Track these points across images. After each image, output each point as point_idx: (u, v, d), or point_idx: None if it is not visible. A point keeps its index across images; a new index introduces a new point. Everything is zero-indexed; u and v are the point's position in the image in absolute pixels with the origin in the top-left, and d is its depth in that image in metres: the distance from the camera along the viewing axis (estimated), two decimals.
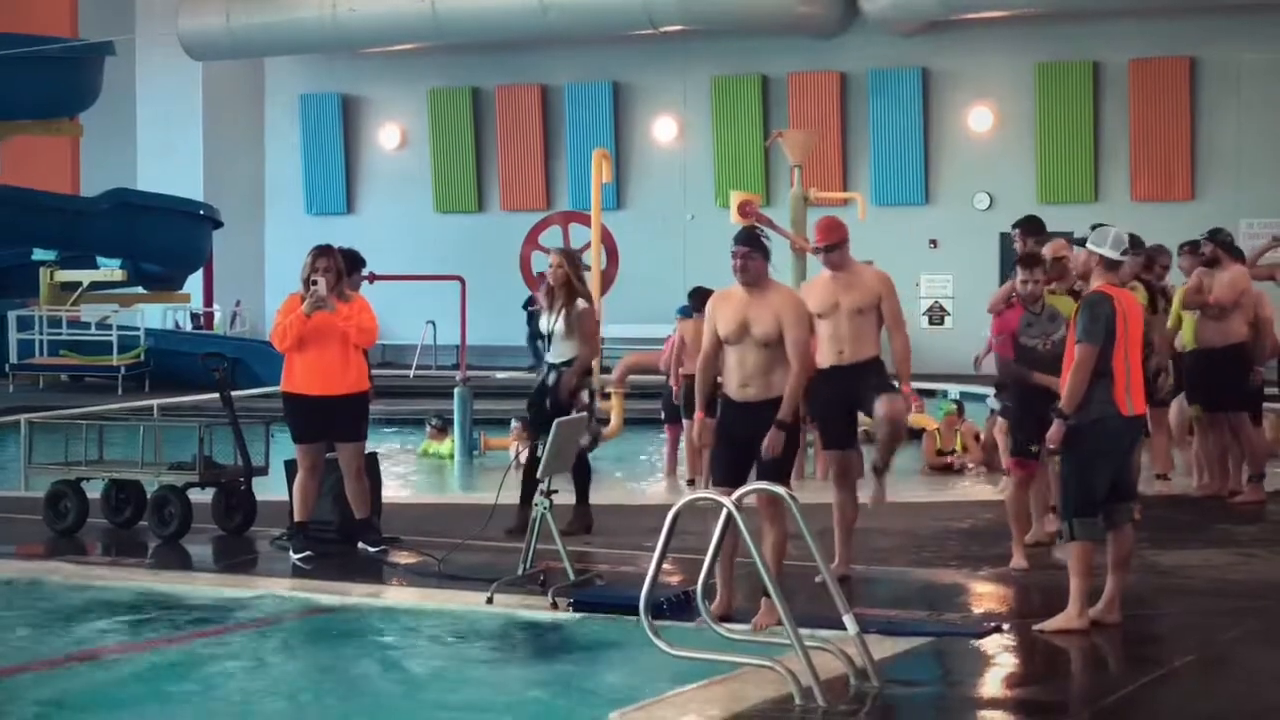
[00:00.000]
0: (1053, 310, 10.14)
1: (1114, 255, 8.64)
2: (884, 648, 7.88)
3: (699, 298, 15.26)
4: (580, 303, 11.83)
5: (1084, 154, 27.72)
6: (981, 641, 8.51)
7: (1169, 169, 27.03)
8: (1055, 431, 8.47)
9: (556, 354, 11.80)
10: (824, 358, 9.87)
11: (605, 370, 18.80)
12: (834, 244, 9.98)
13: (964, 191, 27.89)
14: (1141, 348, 8.72)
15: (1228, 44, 26.56)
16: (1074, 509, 8.53)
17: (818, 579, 8.30)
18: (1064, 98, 27.79)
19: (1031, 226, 11.45)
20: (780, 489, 8.21)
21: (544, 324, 11.90)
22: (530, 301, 11.92)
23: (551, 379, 11.78)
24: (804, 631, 7.34)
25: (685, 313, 14.94)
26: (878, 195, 26.92)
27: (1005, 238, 25.36)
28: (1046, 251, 10.84)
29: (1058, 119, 27.79)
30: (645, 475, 16.75)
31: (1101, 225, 9.25)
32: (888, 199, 27.33)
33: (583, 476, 11.89)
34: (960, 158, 28.56)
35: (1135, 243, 13.06)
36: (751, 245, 8.96)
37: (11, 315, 26.78)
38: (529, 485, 11.40)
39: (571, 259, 12.25)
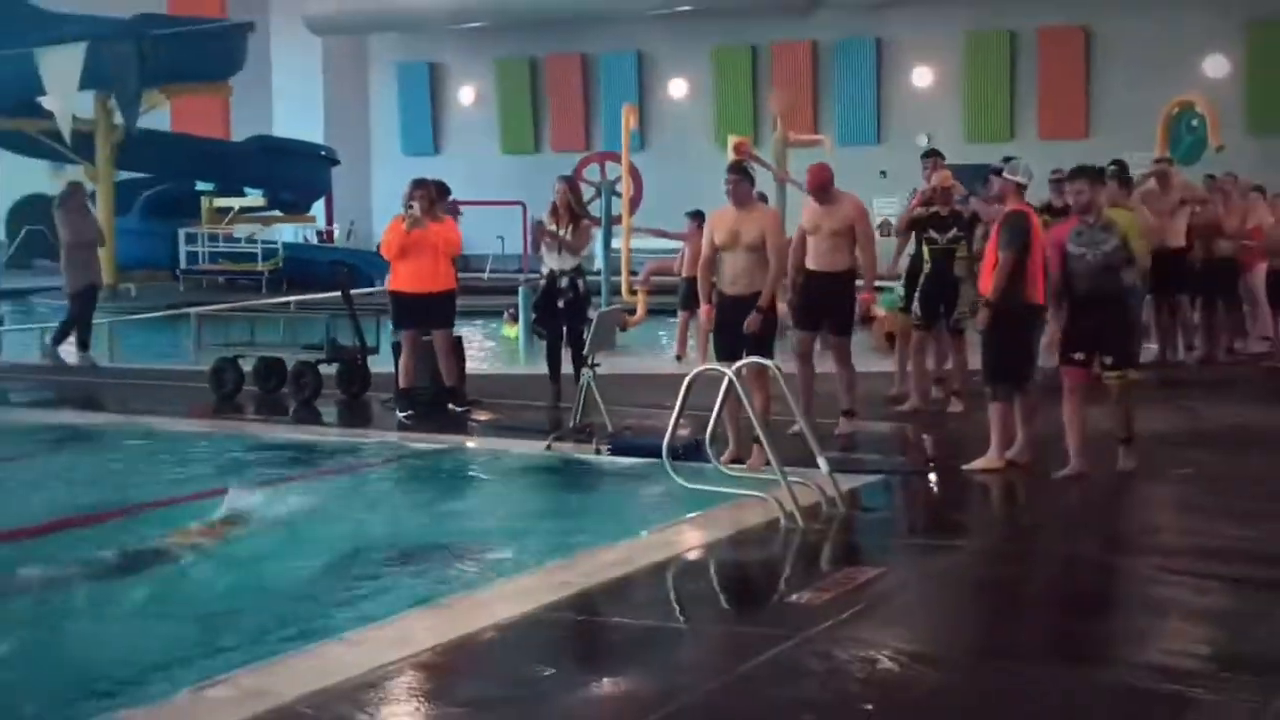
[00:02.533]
0: (1107, 220, 8.41)
1: (1024, 181, 8.63)
2: (847, 482, 7.91)
3: (697, 216, 15.24)
4: (584, 223, 11.60)
5: (1001, 102, 27.44)
6: (920, 477, 8.56)
7: (1068, 113, 26.79)
8: (982, 316, 8.44)
9: (562, 262, 11.44)
10: (809, 261, 9.87)
11: (633, 273, 18.79)
12: (819, 188, 9.89)
13: (907, 133, 27.59)
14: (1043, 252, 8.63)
15: (1114, 15, 26.25)
16: (996, 376, 8.53)
17: (792, 429, 8.34)
18: (986, 59, 27.51)
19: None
20: (767, 361, 8.25)
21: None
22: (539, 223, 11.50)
23: (563, 283, 11.44)
24: (786, 469, 7.40)
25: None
26: (841, 137, 26.64)
27: None
28: (935, 181, 10.71)
29: (981, 75, 27.52)
30: (664, 352, 16.75)
31: (1012, 158, 9.20)
32: (848, 140, 27.04)
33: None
34: (905, 107, 28.31)
35: (1123, 168, 13.02)
36: (739, 174, 9.05)
37: (181, 232, 26.73)
38: (553, 365, 11.41)
39: (572, 186, 11.84)
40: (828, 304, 9.79)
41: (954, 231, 10.55)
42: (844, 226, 9.79)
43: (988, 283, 8.47)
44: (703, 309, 9.25)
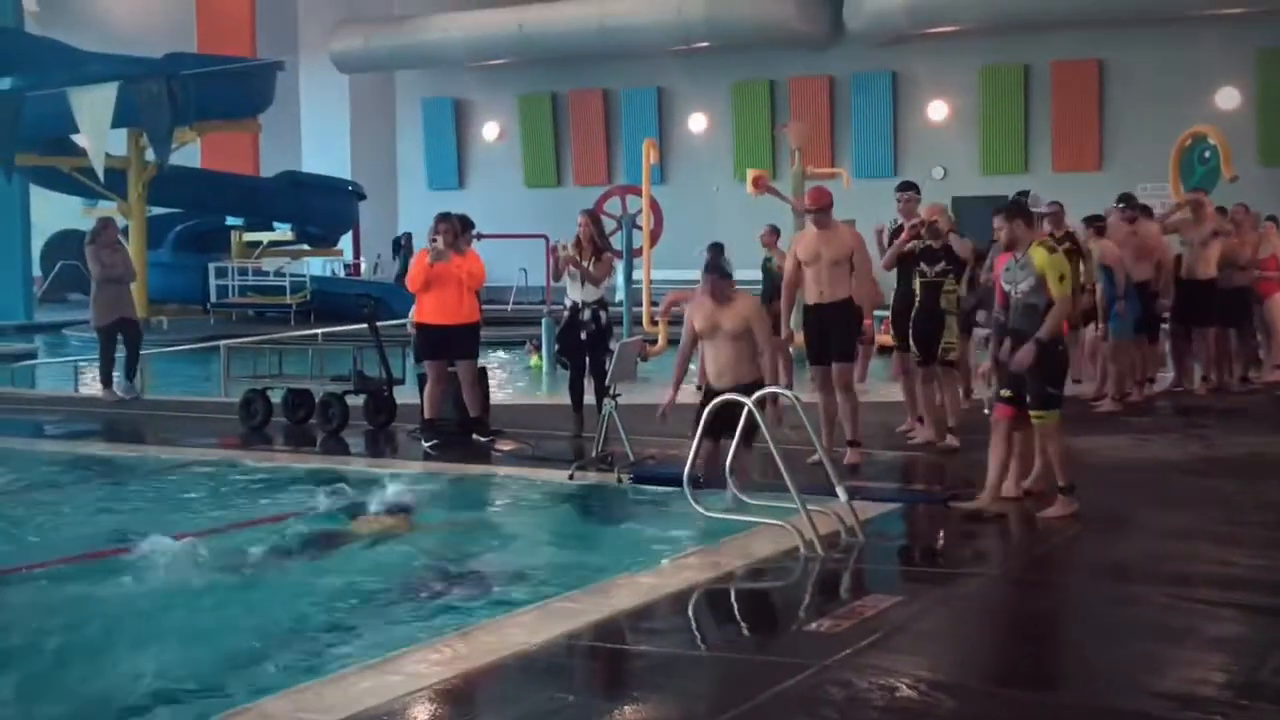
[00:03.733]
0: (1028, 258, 8.04)
1: (1048, 211, 8.61)
2: (866, 510, 7.89)
3: (715, 249, 15.23)
4: (606, 256, 11.61)
5: (1016, 135, 27.44)
6: (939, 506, 8.51)
7: (1082, 146, 26.74)
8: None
9: (585, 294, 11.44)
10: (809, 296, 9.85)
11: (654, 304, 18.81)
12: (820, 209, 9.93)
13: (924, 166, 27.61)
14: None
15: (1127, 49, 26.22)
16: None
17: (811, 459, 8.31)
18: (1001, 92, 27.51)
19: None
20: (786, 393, 8.25)
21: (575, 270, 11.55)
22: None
23: (585, 315, 11.47)
24: (806, 497, 7.37)
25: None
26: (858, 170, 26.68)
27: (957, 201, 25.16)
28: (924, 213, 10.50)
29: (996, 109, 27.52)
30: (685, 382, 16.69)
31: (1027, 191, 9.17)
32: (865, 173, 27.05)
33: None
34: (921, 140, 28.33)
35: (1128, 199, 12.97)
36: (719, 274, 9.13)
37: (211, 266, 26.88)
38: (575, 395, 11.41)
39: (594, 219, 11.81)
40: (831, 334, 9.81)
41: (942, 264, 10.32)
42: (843, 255, 9.78)
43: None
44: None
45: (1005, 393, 8.05)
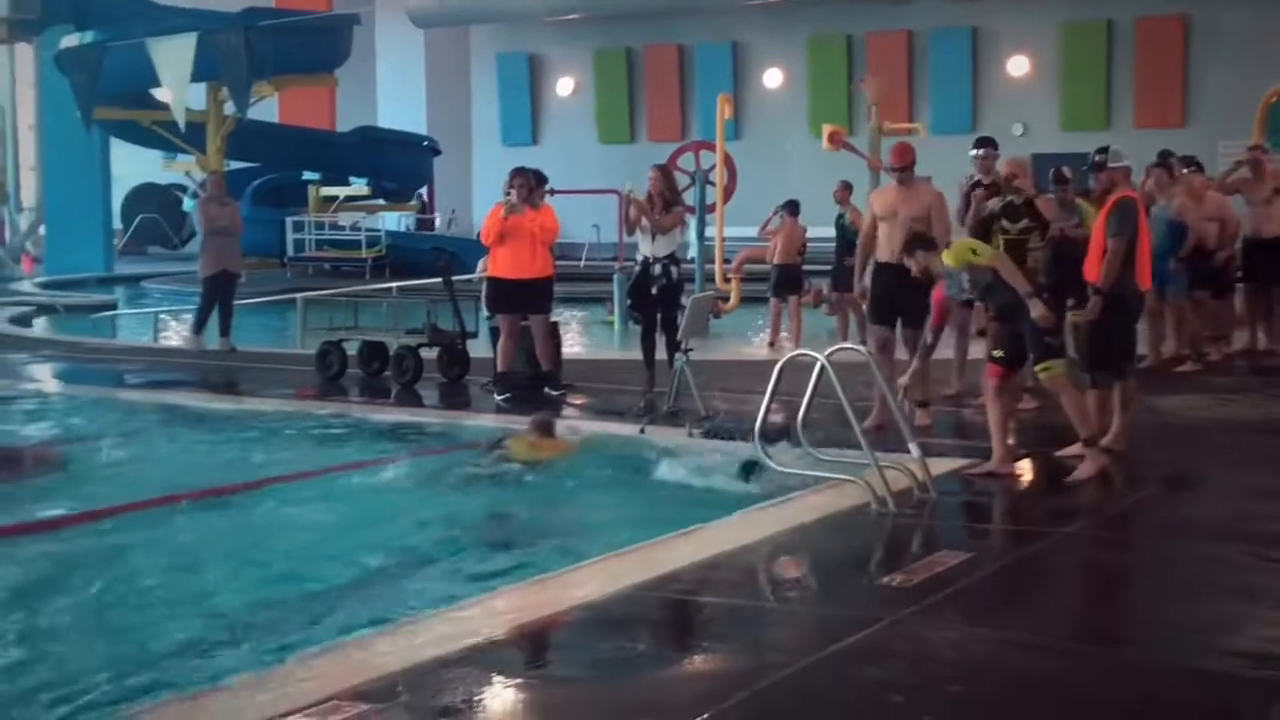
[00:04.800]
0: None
1: (1129, 166, 8.53)
2: (938, 466, 7.83)
3: (790, 206, 15.16)
4: (675, 209, 11.55)
5: (1097, 92, 27.04)
6: (1012, 466, 8.42)
7: (1165, 102, 26.29)
8: (1094, 305, 8.21)
9: (655, 249, 11.34)
10: (881, 254, 9.61)
11: (726, 261, 18.76)
12: (904, 166, 9.78)
13: (1003, 122, 27.26)
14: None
15: (1212, 4, 25.72)
16: (1100, 363, 8.37)
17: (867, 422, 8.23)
18: (1083, 48, 27.10)
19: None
20: (860, 348, 8.21)
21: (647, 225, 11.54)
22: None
23: (656, 270, 11.46)
24: (878, 454, 7.34)
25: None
26: (935, 126, 26.34)
27: (1036, 158, 24.83)
28: (1003, 168, 10.14)
29: (1077, 65, 27.12)
30: (757, 340, 16.71)
31: (1108, 147, 9.00)
32: (943, 129, 26.71)
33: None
34: (1000, 96, 27.99)
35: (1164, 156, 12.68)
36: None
37: (289, 220, 27.13)
38: (647, 351, 11.39)
39: (665, 174, 11.75)
40: (902, 296, 9.39)
41: (1025, 221, 9.89)
42: (922, 213, 9.54)
43: (1095, 269, 8.30)
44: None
45: (997, 353, 7.96)
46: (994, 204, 10.06)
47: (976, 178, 10.54)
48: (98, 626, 5.74)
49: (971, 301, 9.35)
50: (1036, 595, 6.00)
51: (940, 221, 9.60)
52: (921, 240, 8.56)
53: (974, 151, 10.65)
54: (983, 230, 10.11)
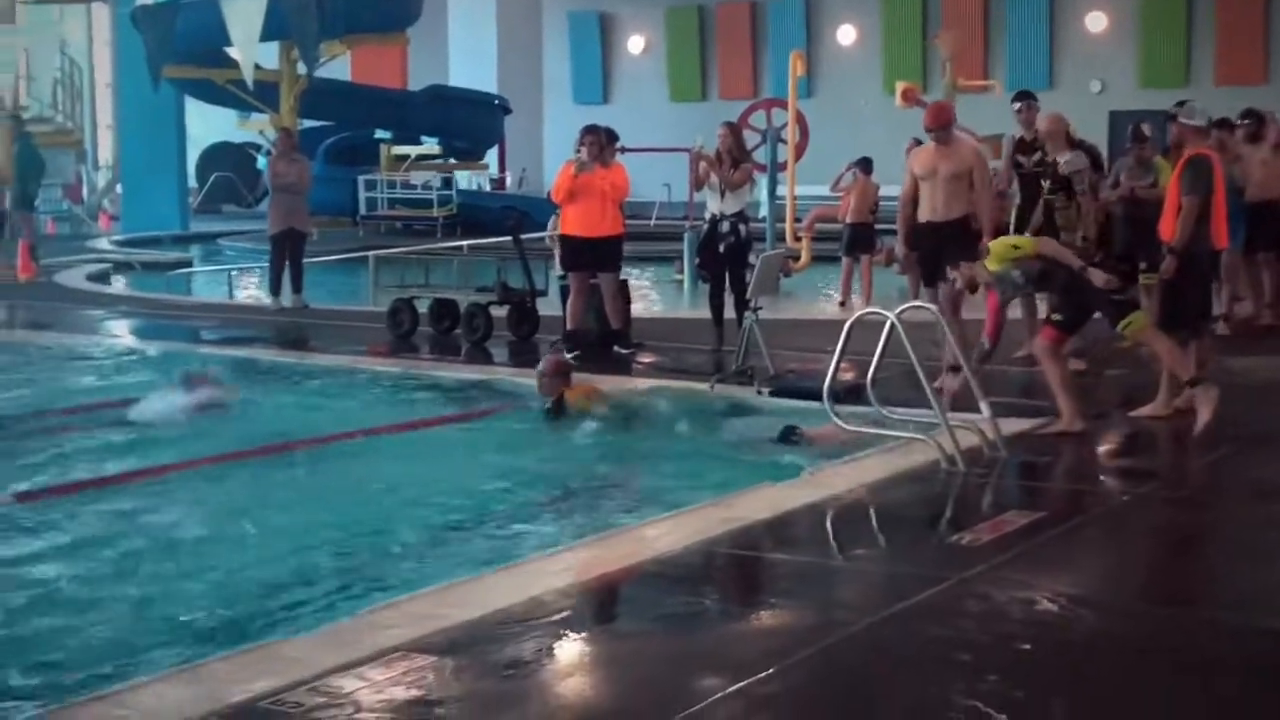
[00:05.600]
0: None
1: (1201, 124, 8.40)
2: (1009, 427, 7.78)
3: (863, 164, 15.04)
4: (745, 165, 11.50)
5: (1177, 48, 26.56)
6: (1086, 423, 8.35)
7: (1247, 58, 25.79)
8: (1169, 264, 8.15)
9: (724, 206, 11.31)
10: (922, 213, 9.47)
11: (797, 220, 18.66)
12: (940, 127, 9.51)
13: (1080, 78, 26.92)
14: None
15: None
16: (1175, 323, 8.28)
17: (936, 383, 8.16)
18: (1162, 3, 26.62)
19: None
20: (931, 306, 8.16)
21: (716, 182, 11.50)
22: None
23: (725, 228, 11.43)
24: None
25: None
26: (1011, 82, 26.01)
27: (1114, 115, 24.48)
28: (1042, 124, 10.11)
29: (1157, 20, 26.66)
30: (827, 299, 16.65)
31: (1186, 102, 8.87)
32: (1019, 84, 26.32)
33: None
34: (1078, 52, 27.60)
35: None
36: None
37: (360, 179, 27.30)
38: (715, 309, 11.37)
39: (735, 131, 11.70)
40: (945, 255, 9.14)
41: (1088, 176, 9.90)
42: (963, 170, 9.40)
43: (1170, 227, 8.20)
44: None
45: (1056, 317, 7.99)
46: (1031, 160, 10.05)
47: (1019, 134, 10.48)
48: (160, 579, 5.83)
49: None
50: (1107, 555, 5.96)
51: (980, 179, 9.47)
52: (960, 249, 8.54)
53: (1014, 105, 10.61)
54: (1022, 185, 10.07)
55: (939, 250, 9.24)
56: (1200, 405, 7.88)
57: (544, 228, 15.19)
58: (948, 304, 9.33)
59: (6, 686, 4.62)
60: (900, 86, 17.74)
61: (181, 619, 5.27)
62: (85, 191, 33.19)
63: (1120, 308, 7.92)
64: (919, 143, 14.76)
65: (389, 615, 4.87)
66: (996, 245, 8.22)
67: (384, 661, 4.35)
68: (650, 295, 17.17)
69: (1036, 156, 10.15)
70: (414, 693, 4.13)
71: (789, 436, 8.02)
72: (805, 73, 20.72)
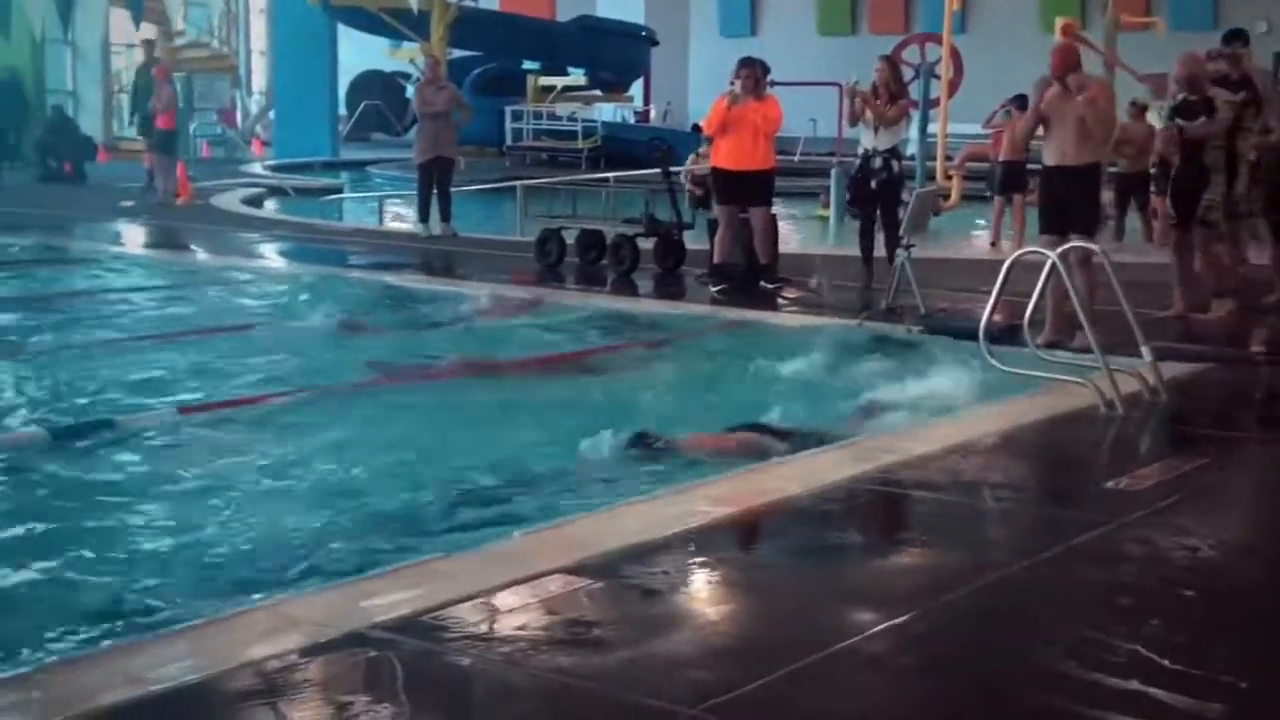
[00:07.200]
0: None
1: None
2: (1170, 370, 7.59)
3: (1019, 102, 14.67)
4: (901, 101, 11.31)
5: None
6: (1249, 368, 8.13)
7: None
8: None
9: (877, 142, 11.19)
10: (1049, 157, 9.01)
11: (949, 158, 18.34)
12: (1065, 72, 8.92)
13: (1246, 19, 25.90)
14: None
15: None
16: None
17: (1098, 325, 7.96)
18: None
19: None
20: (1093, 246, 7.95)
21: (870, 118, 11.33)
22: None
23: (877, 164, 11.24)
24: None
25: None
26: (1174, 21, 25.26)
27: (1278, 57, 23.63)
28: (1176, 66, 9.71)
29: None
30: (977, 238, 16.36)
31: None
32: (1182, 24, 25.60)
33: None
34: None
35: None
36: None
37: (507, 110, 27.42)
38: (865, 246, 11.24)
39: (892, 65, 11.57)
40: (1073, 203, 8.81)
41: (1202, 119, 9.49)
42: (1088, 108, 8.93)
43: None
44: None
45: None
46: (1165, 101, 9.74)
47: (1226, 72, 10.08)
48: (311, 497, 5.98)
49: (1185, 222, 9.07)
50: (1270, 503, 5.81)
51: (1107, 115, 8.99)
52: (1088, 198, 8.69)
53: (1228, 46, 10.15)
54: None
55: (1067, 197, 8.85)
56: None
57: (686, 159, 15.11)
58: (1075, 258, 9.05)
59: (246, 571, 4.95)
60: (1060, 23, 17.25)
61: (343, 533, 5.40)
62: (239, 117, 33.82)
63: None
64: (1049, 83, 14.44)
65: (538, 540, 4.91)
66: None
67: (533, 583, 4.39)
68: (796, 231, 17.04)
69: (1241, 95, 9.70)
70: (571, 613, 4.17)
71: (642, 442, 6.79)
72: (960, 7, 20.28)
